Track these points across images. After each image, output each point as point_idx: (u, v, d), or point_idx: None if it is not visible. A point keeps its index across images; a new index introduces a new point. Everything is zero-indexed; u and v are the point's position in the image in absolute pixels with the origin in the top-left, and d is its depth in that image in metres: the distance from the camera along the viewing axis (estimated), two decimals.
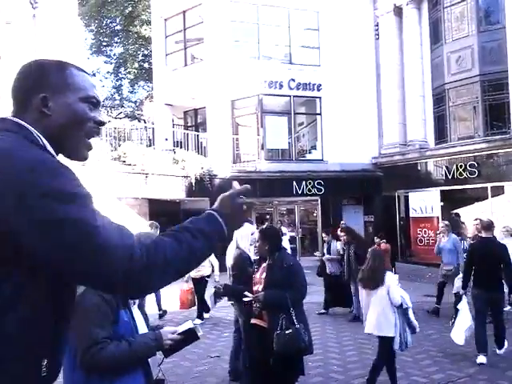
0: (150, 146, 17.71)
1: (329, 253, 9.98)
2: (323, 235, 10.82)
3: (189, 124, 20.29)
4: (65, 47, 13.02)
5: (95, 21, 29.26)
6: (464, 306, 6.63)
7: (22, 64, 1.34)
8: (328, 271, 9.85)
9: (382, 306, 5.21)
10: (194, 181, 15.28)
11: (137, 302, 2.44)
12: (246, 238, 5.53)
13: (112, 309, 2.15)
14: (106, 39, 30.30)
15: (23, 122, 1.24)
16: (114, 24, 30.45)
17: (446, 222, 10.20)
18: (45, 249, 1.09)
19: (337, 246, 9.89)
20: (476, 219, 8.90)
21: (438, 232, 10.08)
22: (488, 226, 6.75)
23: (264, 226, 4.68)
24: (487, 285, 6.47)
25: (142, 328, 2.31)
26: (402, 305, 5.23)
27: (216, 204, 1.41)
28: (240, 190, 1.46)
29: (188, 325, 2.37)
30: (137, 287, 1.18)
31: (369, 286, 5.40)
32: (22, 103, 1.28)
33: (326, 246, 10.26)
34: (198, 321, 8.57)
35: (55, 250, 1.09)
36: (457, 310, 6.88)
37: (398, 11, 18.44)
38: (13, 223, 1.07)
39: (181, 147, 16.92)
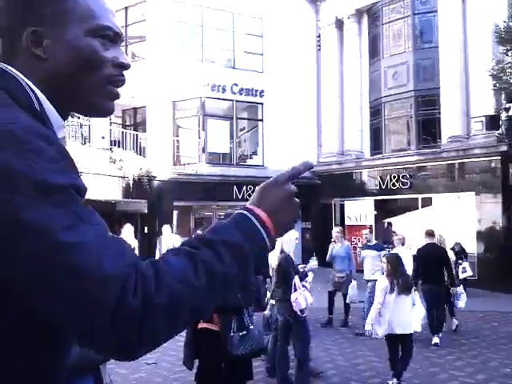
0: (85, 143, 17.03)
1: None
2: None
3: (127, 123, 19.73)
4: None
5: None
6: (417, 300, 7.37)
7: None
8: None
9: (411, 306, 5.92)
10: (131, 181, 14.85)
11: None
12: (291, 243, 5.78)
13: None
14: None
15: (9, 68, 0.86)
16: None
17: (340, 229, 10.25)
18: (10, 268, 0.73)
19: None
20: (365, 230, 10.28)
21: (332, 239, 9.74)
22: (431, 232, 8.41)
23: None
24: (432, 280, 7.90)
25: None
26: None
27: (252, 198, 0.95)
28: (292, 173, 0.99)
29: None
30: (131, 339, 0.75)
31: (407, 292, 5.89)
32: (11, 41, 0.90)
33: None
34: None
35: (10, 264, 0.72)
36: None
37: (340, 24, 18.99)
38: None
39: (118, 146, 16.41)
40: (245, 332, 3.94)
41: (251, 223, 0.89)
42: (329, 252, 9.63)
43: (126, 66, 0.96)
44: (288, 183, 0.97)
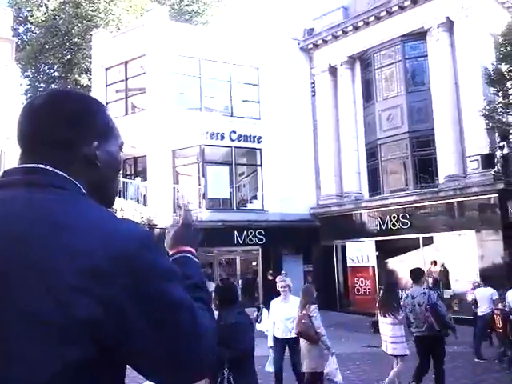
0: None
1: None
2: None
3: (128, 172, 19.99)
4: None
5: (32, 67, 28.75)
6: None
7: (52, 94, 1.13)
8: None
9: None
10: None
11: None
12: None
13: None
14: (42, 85, 29.73)
15: (62, 173, 1.02)
16: (52, 71, 30.04)
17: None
18: (150, 341, 0.90)
19: None
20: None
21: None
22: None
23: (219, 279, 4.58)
24: None
25: None
26: None
27: (179, 240, 1.31)
28: (185, 217, 1.40)
29: None
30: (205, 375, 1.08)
31: None
32: (64, 151, 1.03)
33: None
34: None
35: (163, 341, 0.91)
36: None
37: (333, 70, 19.57)
38: (118, 317, 0.88)
39: (119, 196, 16.57)
40: None
41: (195, 261, 1.26)
42: None
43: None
44: (188, 224, 1.38)
